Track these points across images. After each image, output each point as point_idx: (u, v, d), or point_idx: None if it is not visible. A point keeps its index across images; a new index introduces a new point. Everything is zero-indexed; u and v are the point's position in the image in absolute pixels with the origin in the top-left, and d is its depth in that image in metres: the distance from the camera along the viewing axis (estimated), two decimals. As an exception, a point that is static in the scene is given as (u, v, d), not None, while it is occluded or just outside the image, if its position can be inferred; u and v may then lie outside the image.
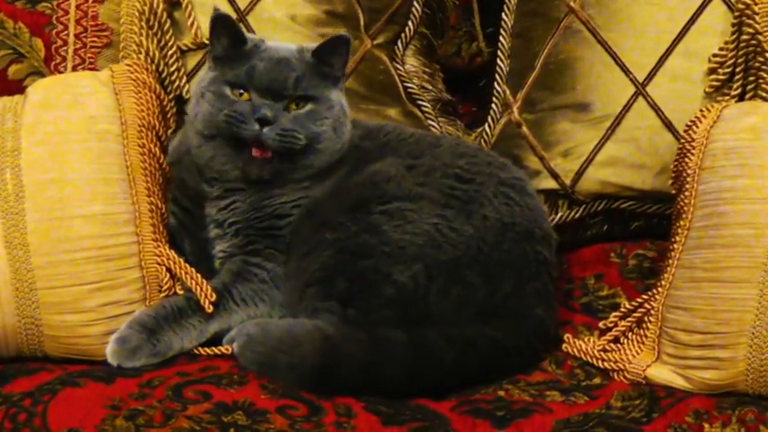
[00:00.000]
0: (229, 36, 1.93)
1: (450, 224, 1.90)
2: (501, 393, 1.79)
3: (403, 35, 2.18)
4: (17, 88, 2.04)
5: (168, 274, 1.92)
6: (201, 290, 1.90)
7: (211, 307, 1.88)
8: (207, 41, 2.12)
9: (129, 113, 1.95)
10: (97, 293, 1.84)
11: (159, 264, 1.89)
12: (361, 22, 2.15)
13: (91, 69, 2.11)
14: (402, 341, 1.78)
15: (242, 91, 1.91)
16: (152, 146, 1.95)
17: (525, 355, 1.88)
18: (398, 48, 2.19)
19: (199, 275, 1.92)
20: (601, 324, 1.96)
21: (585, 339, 1.93)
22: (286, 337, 1.80)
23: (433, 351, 1.79)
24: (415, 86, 2.17)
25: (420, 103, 2.19)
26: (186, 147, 2.01)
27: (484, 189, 1.95)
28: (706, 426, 1.70)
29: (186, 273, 1.92)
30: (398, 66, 2.18)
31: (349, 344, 1.77)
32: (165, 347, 1.84)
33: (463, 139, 2.18)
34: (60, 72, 2.12)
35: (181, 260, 1.94)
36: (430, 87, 2.27)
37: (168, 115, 2.11)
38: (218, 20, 1.93)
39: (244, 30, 1.98)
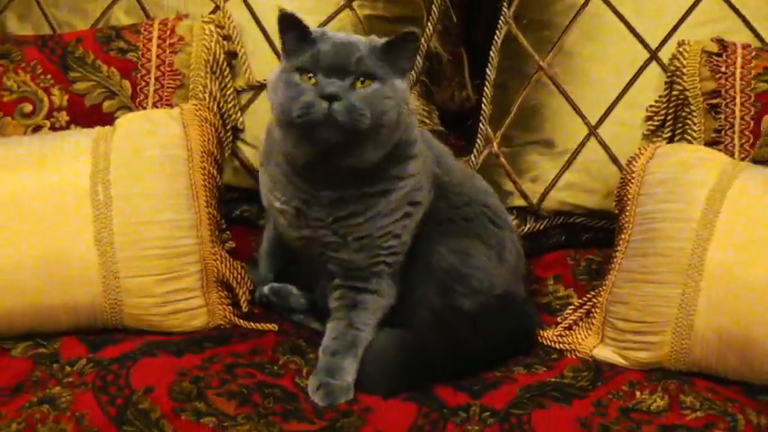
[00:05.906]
0: (295, 29, 1.82)
1: (494, 265, 1.95)
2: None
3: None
4: (109, 119, 2.13)
5: (224, 268, 2.00)
6: (242, 292, 2.03)
7: (247, 307, 1.99)
8: (258, 83, 2.28)
9: (194, 142, 2.02)
10: (167, 282, 1.94)
11: (215, 260, 1.98)
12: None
13: (167, 105, 2.20)
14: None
15: (310, 75, 1.78)
16: (211, 168, 2.03)
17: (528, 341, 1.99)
18: (404, 92, 2.16)
19: (245, 279, 2.01)
20: (558, 318, 2.05)
21: (547, 330, 2.02)
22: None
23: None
24: (415, 121, 1.99)
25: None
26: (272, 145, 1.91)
27: (506, 234, 2.01)
28: (637, 393, 1.83)
29: (231, 274, 2.01)
30: (404, 105, 2.14)
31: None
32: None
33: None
34: (143, 107, 2.20)
35: (231, 260, 2.01)
36: (428, 121, 2.39)
37: (224, 143, 2.20)
38: (284, 17, 1.82)
39: (308, 25, 1.83)
